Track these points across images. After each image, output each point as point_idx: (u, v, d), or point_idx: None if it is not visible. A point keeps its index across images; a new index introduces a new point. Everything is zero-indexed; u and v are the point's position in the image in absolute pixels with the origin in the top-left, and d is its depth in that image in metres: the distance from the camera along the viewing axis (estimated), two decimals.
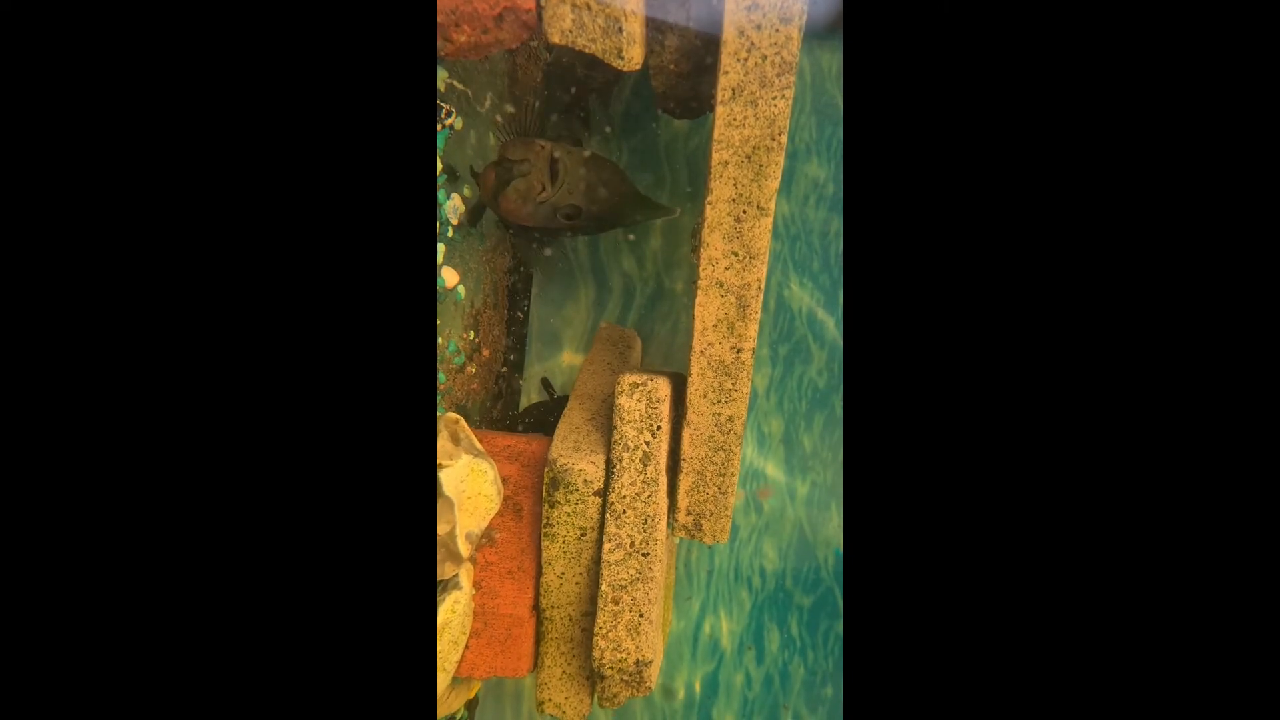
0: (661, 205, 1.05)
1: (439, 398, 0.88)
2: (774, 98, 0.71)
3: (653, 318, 1.26)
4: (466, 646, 0.89)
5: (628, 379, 0.86)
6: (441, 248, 0.83)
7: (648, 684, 0.92)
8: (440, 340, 0.86)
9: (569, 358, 1.26)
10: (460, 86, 0.81)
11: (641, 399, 0.86)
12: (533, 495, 0.92)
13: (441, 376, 0.88)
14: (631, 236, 1.26)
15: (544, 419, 1.09)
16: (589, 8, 0.70)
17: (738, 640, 1.18)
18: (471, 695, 1.01)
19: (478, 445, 0.87)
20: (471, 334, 0.98)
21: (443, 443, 0.84)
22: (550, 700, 0.95)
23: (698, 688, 1.18)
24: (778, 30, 0.69)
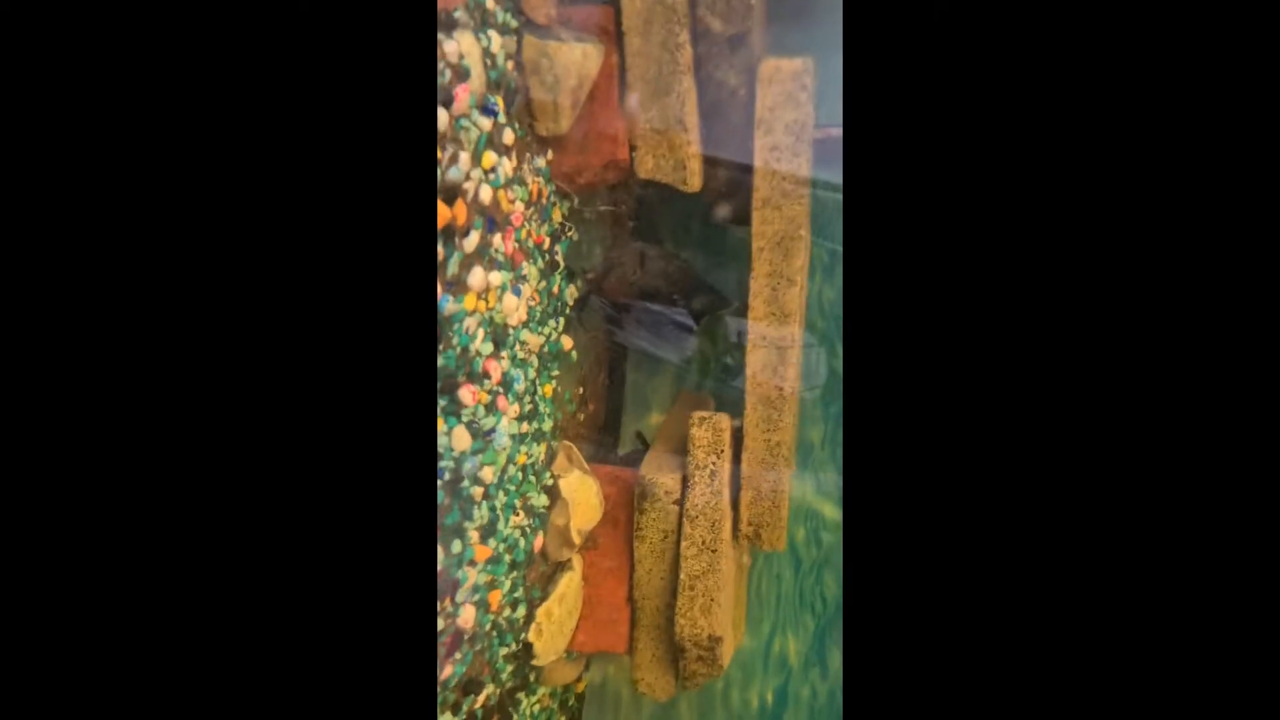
0: (723, 295, 1.36)
1: (557, 434, 1.18)
2: (793, 203, 1.03)
3: (724, 388, 1.55)
4: (577, 627, 1.14)
5: (698, 414, 1.14)
6: (562, 321, 1.16)
7: (720, 663, 1.12)
8: (560, 389, 1.18)
9: (656, 419, 1.55)
10: (584, 209, 1.17)
11: (709, 429, 1.13)
12: (627, 511, 1.18)
13: (559, 416, 1.19)
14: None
15: (638, 463, 1.37)
16: (664, 156, 1.05)
17: (803, 658, 1.36)
18: (577, 679, 1.24)
19: (585, 465, 1.16)
20: (581, 390, 1.30)
21: (561, 460, 1.14)
22: (643, 680, 1.17)
23: (770, 698, 1.35)
24: (794, 159, 1.02)
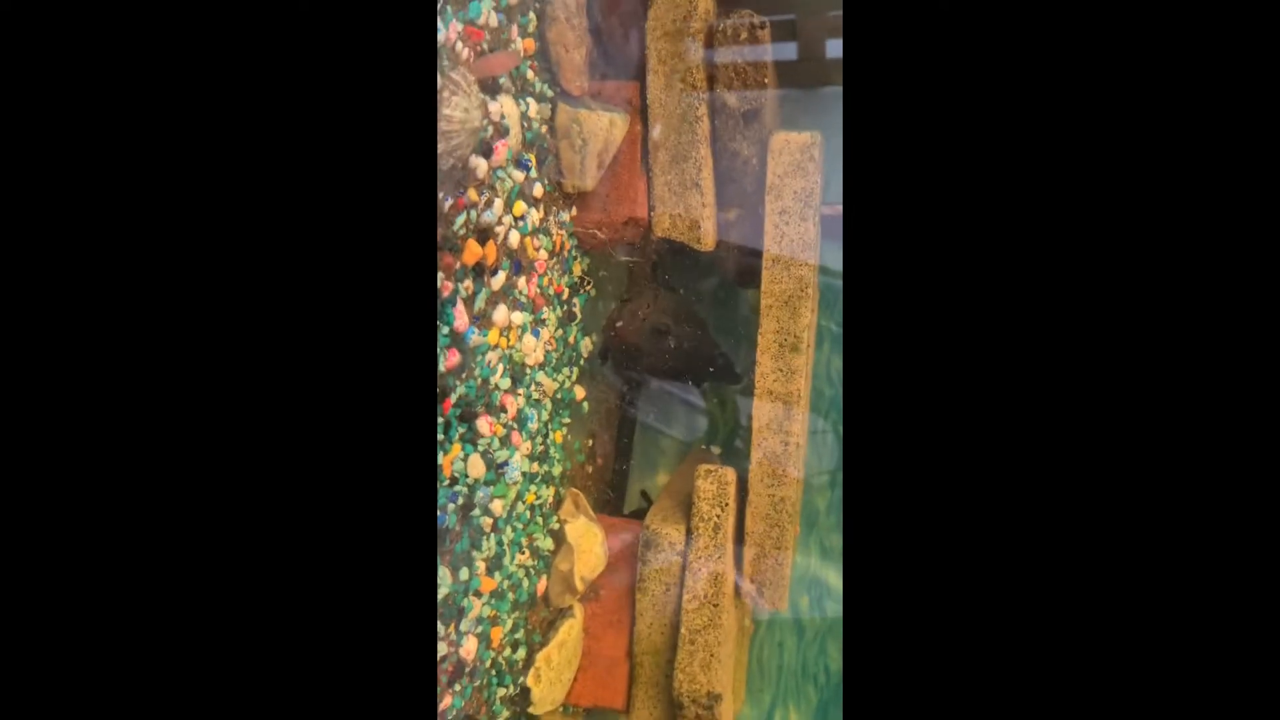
0: (735, 373, 1.41)
1: (565, 481, 1.20)
2: (800, 265, 1.09)
3: (734, 452, 1.57)
4: (575, 678, 1.12)
5: (703, 467, 1.16)
6: (576, 370, 1.21)
7: None
8: (570, 438, 1.21)
9: (663, 479, 1.57)
10: (605, 269, 1.24)
11: (714, 482, 1.15)
12: (630, 563, 1.19)
13: (569, 464, 1.21)
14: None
15: (643, 518, 1.38)
16: (680, 216, 1.12)
17: None
18: None
19: (592, 514, 1.17)
20: (590, 442, 1.32)
21: (568, 505, 1.15)
22: None
23: None
24: (801, 222, 1.08)
